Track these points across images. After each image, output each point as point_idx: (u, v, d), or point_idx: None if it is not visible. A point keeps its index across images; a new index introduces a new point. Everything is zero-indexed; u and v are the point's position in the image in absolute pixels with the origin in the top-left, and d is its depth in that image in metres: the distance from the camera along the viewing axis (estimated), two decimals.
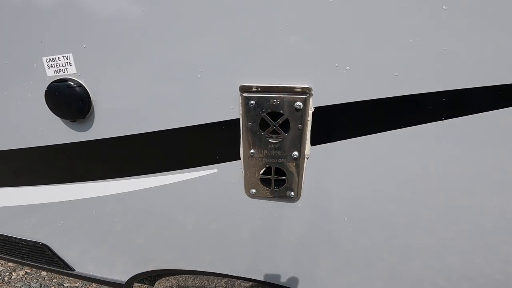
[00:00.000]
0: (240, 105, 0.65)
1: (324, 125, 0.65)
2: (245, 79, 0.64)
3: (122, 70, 0.69)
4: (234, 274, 1.09)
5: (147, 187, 0.81)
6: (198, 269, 1.14)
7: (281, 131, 0.66)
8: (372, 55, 0.58)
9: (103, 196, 0.88)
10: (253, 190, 0.75)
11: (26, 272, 2.16)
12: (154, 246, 1.08)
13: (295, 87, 0.63)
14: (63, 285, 2.04)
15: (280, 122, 0.65)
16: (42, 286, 2.04)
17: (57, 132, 0.80)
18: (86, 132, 0.77)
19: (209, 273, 1.17)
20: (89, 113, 0.74)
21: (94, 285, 2.04)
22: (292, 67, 0.62)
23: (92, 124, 0.76)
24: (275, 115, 0.65)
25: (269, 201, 0.78)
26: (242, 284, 1.21)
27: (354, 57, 0.59)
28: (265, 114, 0.65)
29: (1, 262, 2.25)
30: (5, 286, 2.05)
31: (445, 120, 0.62)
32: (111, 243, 1.18)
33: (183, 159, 0.75)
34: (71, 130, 0.78)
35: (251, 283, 1.20)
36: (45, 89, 0.73)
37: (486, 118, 0.61)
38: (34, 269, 2.18)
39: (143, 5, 0.62)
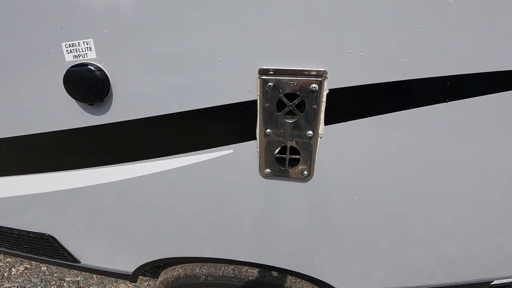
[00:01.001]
0: (258, 87, 0.68)
1: (337, 106, 0.69)
2: (264, 62, 0.67)
3: (142, 54, 0.71)
4: (244, 260, 1.11)
5: (164, 169, 0.83)
6: (210, 256, 1.16)
7: (296, 111, 0.69)
8: (383, 42, 0.62)
9: (118, 181, 0.89)
10: (268, 170, 0.77)
11: (25, 267, 2.13)
12: (165, 232, 1.09)
13: (311, 70, 0.66)
14: (64, 280, 2.02)
15: (296, 103, 0.68)
16: (43, 281, 2.02)
17: (73, 116, 0.81)
18: (103, 115, 0.79)
19: (219, 259, 1.18)
20: (107, 96, 0.76)
21: (95, 279, 2.03)
22: (309, 52, 0.65)
23: (110, 107, 0.77)
24: (291, 96, 0.68)
25: (282, 181, 0.80)
26: (249, 270, 1.23)
27: (366, 44, 0.62)
28: (282, 95, 0.67)
29: (0, 258, 2.21)
30: (5, 282, 2.02)
31: (449, 102, 0.66)
32: (119, 233, 1.18)
33: (201, 140, 0.77)
34: (88, 114, 0.80)
35: (257, 269, 1.23)
36: (64, 73, 0.74)
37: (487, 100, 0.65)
38: (34, 264, 2.15)
39: None
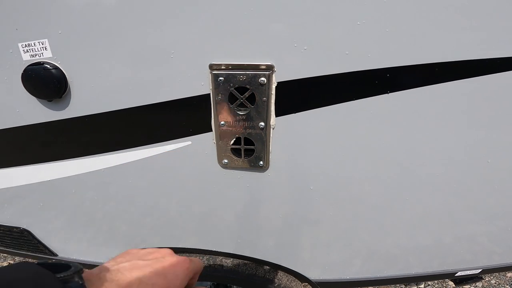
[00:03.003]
0: (210, 81, 0.70)
1: (286, 98, 0.72)
2: (214, 58, 0.69)
3: (97, 52, 0.72)
4: (215, 249, 1.15)
5: (126, 161, 0.85)
6: (178, 246, 1.18)
7: (247, 103, 0.71)
8: (326, 36, 0.65)
9: (81, 173, 0.90)
10: (225, 161, 0.80)
11: (9, 263, 2.12)
12: (134, 224, 1.11)
13: (259, 65, 0.68)
14: None
15: (247, 95, 0.70)
16: None
17: (34, 112, 0.82)
18: (63, 111, 0.80)
19: (191, 249, 1.22)
20: (66, 92, 0.77)
21: None
22: (256, 47, 0.67)
23: (69, 103, 0.78)
24: (242, 90, 0.70)
25: (241, 172, 0.83)
26: (223, 260, 1.27)
27: (310, 38, 0.65)
28: (233, 88, 0.70)
29: None
30: None
31: (390, 93, 0.70)
32: (93, 224, 1.19)
33: (160, 133, 0.79)
34: (49, 109, 0.80)
35: (232, 259, 1.26)
36: (22, 72, 0.75)
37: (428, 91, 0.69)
38: (17, 259, 2.15)
39: None
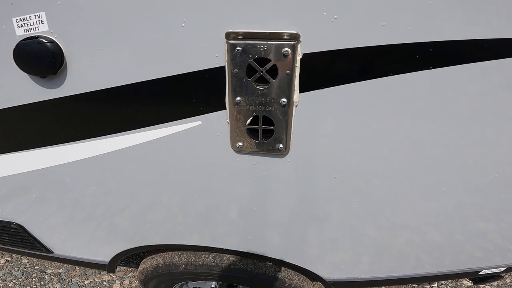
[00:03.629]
0: (226, 52, 0.61)
1: (313, 72, 0.62)
2: (231, 25, 0.60)
3: (98, 23, 0.63)
4: (222, 247, 1.05)
5: (126, 146, 0.76)
6: (183, 243, 1.09)
7: (268, 77, 0.62)
8: (360, 4, 0.56)
9: (78, 160, 0.81)
10: (240, 144, 0.71)
11: (6, 260, 2.03)
12: (135, 217, 1.02)
13: (283, 33, 0.59)
14: (45, 272, 1.94)
15: (268, 68, 0.61)
16: (24, 273, 1.93)
17: (25, 91, 0.73)
18: (57, 88, 0.71)
19: (196, 246, 1.12)
20: (61, 68, 0.68)
21: (77, 270, 1.95)
22: (280, 13, 0.58)
23: (64, 80, 0.69)
24: (262, 62, 0.61)
25: (257, 157, 0.74)
26: (230, 258, 1.17)
27: (342, 6, 0.56)
28: (251, 60, 0.61)
29: None
30: None
31: (432, 69, 0.61)
32: (89, 217, 1.10)
33: (165, 112, 0.70)
34: (42, 87, 0.71)
35: (239, 257, 1.17)
36: (14, 47, 0.66)
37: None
38: (15, 257, 2.06)
39: None
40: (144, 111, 0.71)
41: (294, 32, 0.59)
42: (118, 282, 1.87)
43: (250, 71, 0.62)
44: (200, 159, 0.77)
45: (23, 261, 2.05)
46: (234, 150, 0.73)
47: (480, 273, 1.13)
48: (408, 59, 0.60)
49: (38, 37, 0.66)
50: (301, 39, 0.60)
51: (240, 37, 0.60)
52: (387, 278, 1.07)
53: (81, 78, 0.69)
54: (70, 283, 1.87)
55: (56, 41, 0.66)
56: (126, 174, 0.83)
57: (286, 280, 1.15)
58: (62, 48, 0.67)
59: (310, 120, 0.68)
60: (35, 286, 1.87)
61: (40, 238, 1.26)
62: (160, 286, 1.39)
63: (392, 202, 0.80)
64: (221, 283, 1.43)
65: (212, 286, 1.46)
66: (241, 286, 1.43)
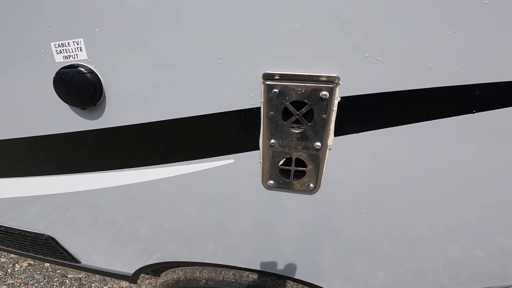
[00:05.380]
0: (262, 93, 0.62)
1: (349, 115, 0.62)
2: (269, 66, 0.60)
3: (137, 55, 0.65)
4: (245, 267, 1.06)
5: (160, 177, 0.77)
6: (208, 261, 1.11)
7: (304, 121, 0.62)
8: (405, 45, 0.54)
9: (112, 187, 0.84)
10: (271, 182, 0.71)
11: (29, 263, 2.12)
12: (164, 238, 1.05)
13: (321, 76, 0.59)
14: (67, 276, 2.01)
15: (304, 111, 0.61)
16: (46, 277, 2.01)
17: (65, 120, 0.75)
18: (96, 120, 0.73)
19: (219, 265, 1.14)
20: (101, 100, 0.70)
21: (97, 276, 2.01)
22: (319, 55, 0.58)
23: (103, 112, 0.72)
24: (298, 104, 0.61)
25: (286, 193, 0.74)
26: (250, 275, 1.18)
27: (385, 47, 0.55)
28: (288, 103, 0.61)
29: (4, 254, 2.21)
30: (8, 278, 2.01)
31: (476, 113, 0.59)
32: (117, 235, 1.14)
33: (200, 148, 0.71)
34: (81, 118, 0.74)
35: (258, 274, 1.17)
36: (54, 75, 0.68)
37: None
38: (37, 260, 2.14)
39: None
40: (180, 147, 0.72)
41: (333, 75, 0.59)
42: None
43: (286, 113, 0.62)
44: (232, 192, 0.77)
45: (45, 265, 2.12)
46: (265, 187, 0.73)
47: None
48: (453, 102, 0.58)
49: (78, 66, 0.67)
50: (340, 82, 0.59)
51: (277, 78, 0.60)
52: None
53: (119, 110, 0.71)
54: None
55: (96, 72, 0.68)
56: (158, 202, 0.85)
57: None
58: (101, 79, 0.68)
59: (343, 163, 0.67)
60: None
61: (69, 250, 1.31)
62: None
63: (416, 238, 0.78)
64: None
65: None
66: None
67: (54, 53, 0.69)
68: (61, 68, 0.68)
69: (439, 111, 0.59)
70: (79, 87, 0.68)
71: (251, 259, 1.03)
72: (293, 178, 0.70)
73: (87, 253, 1.36)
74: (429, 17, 0.52)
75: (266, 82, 0.60)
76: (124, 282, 1.95)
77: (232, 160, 0.71)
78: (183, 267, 1.31)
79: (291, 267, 1.00)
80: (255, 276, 1.18)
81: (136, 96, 0.69)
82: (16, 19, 0.67)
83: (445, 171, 0.65)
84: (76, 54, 0.68)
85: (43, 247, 1.38)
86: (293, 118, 0.62)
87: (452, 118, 0.59)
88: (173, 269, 1.35)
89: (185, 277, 1.27)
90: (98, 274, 1.53)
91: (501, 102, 0.58)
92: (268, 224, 0.84)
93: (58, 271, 2.05)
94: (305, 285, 1.13)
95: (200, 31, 0.59)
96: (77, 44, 0.67)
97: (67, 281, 1.98)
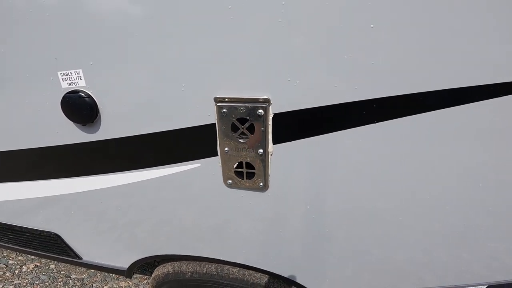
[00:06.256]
0: (215, 112, 0.85)
1: (282, 127, 0.85)
2: (218, 91, 0.84)
3: (123, 84, 0.89)
4: (221, 258, 1.29)
5: (145, 179, 1.02)
6: (189, 254, 1.34)
7: (247, 133, 0.86)
8: (316, 70, 0.77)
9: (108, 187, 1.09)
10: (230, 181, 0.95)
11: (35, 265, 2.39)
12: (151, 233, 1.29)
13: (257, 98, 0.82)
14: (70, 277, 2.26)
15: (247, 126, 0.85)
16: (51, 278, 2.27)
17: (70, 134, 1.01)
18: (94, 134, 0.98)
19: (199, 257, 1.36)
20: (97, 118, 0.95)
21: (98, 276, 2.26)
22: (254, 82, 0.81)
23: (99, 127, 0.97)
24: (242, 120, 0.85)
25: (243, 191, 0.97)
26: (230, 269, 1.40)
27: (302, 73, 0.78)
28: (234, 119, 0.85)
29: (12, 256, 2.48)
30: (15, 279, 2.28)
31: (377, 123, 0.81)
32: (115, 232, 1.38)
33: (173, 155, 0.96)
34: (82, 132, 1.00)
35: (237, 268, 1.40)
36: (61, 98, 0.94)
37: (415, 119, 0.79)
38: (43, 262, 2.41)
39: (136, 38, 0.82)
40: (157, 154, 0.97)
41: (266, 97, 0.82)
42: None
43: (234, 127, 0.86)
44: (201, 192, 1.01)
45: (51, 266, 2.39)
46: (226, 186, 0.97)
47: None
48: (357, 114, 0.80)
49: (79, 91, 0.93)
50: (271, 102, 0.82)
51: (226, 100, 0.84)
52: None
53: (111, 126, 0.96)
54: None
55: (92, 96, 0.93)
56: (144, 200, 1.10)
57: None
58: (97, 102, 0.94)
59: (284, 165, 0.90)
60: None
61: (72, 246, 1.56)
62: None
63: (354, 227, 1.00)
64: None
65: None
66: None
67: (61, 80, 0.94)
68: (66, 93, 0.93)
69: (347, 122, 0.81)
70: (80, 108, 0.93)
71: (225, 252, 1.25)
72: (246, 178, 0.93)
73: (88, 250, 1.60)
74: (328, 46, 0.75)
75: (217, 104, 0.84)
76: (123, 282, 2.20)
77: (199, 164, 0.95)
78: (172, 262, 1.54)
79: (257, 258, 1.23)
80: (234, 269, 1.41)
81: (124, 114, 0.94)
82: (32, 51, 0.92)
83: (358, 169, 0.87)
84: (77, 82, 0.93)
85: (49, 244, 1.63)
86: (240, 131, 0.86)
87: (358, 128, 0.81)
88: (164, 264, 1.59)
89: (174, 270, 1.50)
90: (96, 269, 1.77)
91: (397, 113, 0.80)
92: (232, 218, 1.07)
93: (62, 272, 2.31)
94: (279, 279, 1.35)
95: (167, 67, 0.84)
96: (78, 74, 0.92)
97: (70, 281, 2.24)
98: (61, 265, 2.37)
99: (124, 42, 0.83)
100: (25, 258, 2.46)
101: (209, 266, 1.43)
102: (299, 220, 1.01)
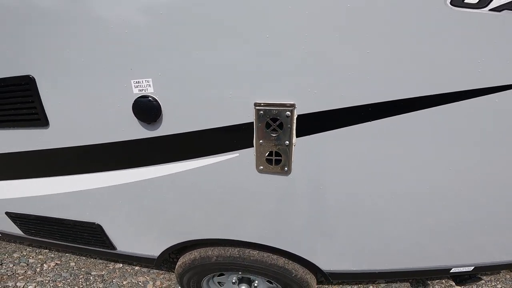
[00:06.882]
0: (254, 113, 1.20)
1: (304, 124, 1.20)
2: (257, 98, 1.19)
3: (183, 91, 1.24)
4: (247, 240, 1.60)
5: (193, 167, 1.35)
6: (221, 237, 1.64)
7: (278, 129, 1.21)
8: (327, 85, 1.14)
9: (158, 176, 1.41)
10: (261, 167, 1.28)
11: (56, 263, 2.63)
12: (188, 220, 1.60)
13: (286, 103, 1.17)
14: (90, 273, 2.51)
15: (277, 124, 1.20)
16: (72, 275, 2.51)
17: (134, 130, 1.35)
18: (155, 130, 1.32)
19: (227, 240, 1.65)
20: (160, 117, 1.29)
21: (117, 272, 2.51)
22: (284, 92, 1.17)
23: (160, 125, 1.31)
24: (274, 120, 1.20)
25: (271, 175, 1.31)
26: (251, 252, 1.72)
27: (317, 85, 1.14)
28: (268, 119, 1.19)
29: (32, 255, 2.72)
30: (37, 276, 2.52)
31: (372, 121, 1.17)
32: (151, 222, 1.67)
33: (218, 147, 1.29)
34: (145, 129, 1.33)
35: (257, 251, 1.71)
36: (132, 102, 1.28)
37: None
38: (63, 260, 2.65)
39: (195, 58, 1.17)
40: (208, 146, 1.30)
41: (292, 102, 1.17)
42: (151, 282, 2.40)
43: (268, 125, 1.21)
44: (237, 177, 1.35)
45: (71, 264, 2.63)
46: (258, 171, 1.31)
47: (451, 271, 1.60)
48: (357, 115, 1.16)
49: (148, 96, 1.26)
50: (296, 106, 1.18)
51: (262, 105, 1.19)
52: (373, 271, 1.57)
53: (170, 124, 1.30)
54: (111, 283, 2.42)
55: (158, 100, 1.27)
56: (192, 187, 1.43)
57: (293, 271, 1.67)
58: (161, 105, 1.28)
59: (304, 153, 1.25)
60: (81, 286, 2.41)
61: (110, 236, 1.85)
62: (192, 278, 1.93)
63: (362, 207, 1.34)
64: (240, 277, 1.95)
65: (233, 281, 1.97)
66: (256, 282, 1.94)
67: (133, 87, 1.27)
68: (138, 97, 1.27)
69: (350, 121, 1.17)
70: (148, 109, 1.27)
71: (250, 232, 1.57)
72: (274, 164, 1.27)
73: (123, 240, 1.89)
74: (335, 69, 1.12)
75: (256, 107, 1.19)
76: (141, 277, 2.46)
77: (238, 154, 1.29)
78: (198, 249, 1.84)
79: (279, 238, 1.55)
80: (255, 252, 1.71)
81: (182, 115, 1.28)
82: (111, 62, 1.25)
83: (358, 159, 1.22)
84: (147, 88, 1.26)
85: (89, 235, 1.90)
86: (272, 127, 1.21)
87: (358, 125, 1.17)
88: (190, 252, 1.88)
89: (200, 256, 1.80)
90: (126, 259, 2.04)
91: (388, 114, 1.16)
92: (262, 198, 1.40)
93: (83, 269, 2.56)
94: (290, 258, 1.67)
95: (218, 80, 1.19)
96: (148, 82, 1.25)
97: (91, 277, 2.48)
98: (81, 262, 2.62)
99: (187, 59, 1.17)
100: (45, 256, 2.71)
101: (232, 249, 1.74)
102: (314, 198, 1.34)
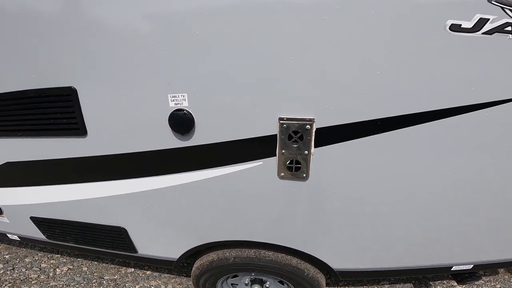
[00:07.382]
0: (278, 127, 1.42)
1: (321, 136, 1.42)
2: (281, 113, 1.41)
3: (214, 106, 1.45)
4: (266, 241, 1.79)
5: (219, 174, 1.55)
6: (242, 239, 1.82)
7: (298, 140, 1.42)
8: (341, 102, 1.36)
9: (186, 183, 1.61)
10: (282, 174, 1.49)
11: (69, 268, 2.77)
12: (211, 222, 1.79)
13: (306, 118, 1.39)
14: (103, 278, 2.66)
15: (298, 136, 1.42)
16: (85, 279, 2.65)
17: (168, 141, 1.55)
18: (187, 141, 1.53)
19: (246, 242, 1.83)
20: (193, 129, 1.50)
21: (129, 277, 2.66)
22: (305, 108, 1.39)
23: (192, 136, 1.51)
24: (296, 132, 1.42)
25: (291, 181, 1.52)
26: (266, 253, 1.91)
27: (333, 103, 1.36)
28: (290, 131, 1.41)
29: (44, 260, 2.85)
30: (51, 281, 2.65)
31: (380, 134, 1.39)
32: (173, 225, 1.84)
33: (244, 156, 1.50)
34: (178, 139, 1.53)
35: (272, 251, 1.91)
36: (169, 114, 1.48)
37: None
38: (76, 264, 2.79)
39: (229, 75, 1.39)
40: (236, 155, 1.51)
41: (312, 117, 1.39)
42: (163, 286, 2.55)
43: (290, 136, 1.43)
44: (260, 182, 1.56)
45: (83, 268, 2.77)
46: (279, 178, 1.52)
47: (452, 269, 1.81)
48: (367, 128, 1.38)
49: (183, 109, 1.46)
50: (315, 120, 1.40)
51: (285, 119, 1.41)
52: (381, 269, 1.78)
53: (202, 135, 1.51)
54: None
55: (192, 114, 1.48)
56: (219, 192, 1.63)
57: (305, 270, 1.87)
58: (194, 117, 1.49)
59: (321, 162, 1.46)
60: None
61: (133, 240, 2.02)
62: (209, 280, 2.10)
63: (373, 210, 1.56)
64: (253, 278, 2.13)
65: (246, 282, 2.16)
66: (268, 283, 2.13)
67: (169, 101, 1.47)
68: (174, 111, 1.46)
69: (361, 133, 1.39)
70: (183, 122, 1.47)
71: (272, 235, 1.77)
72: (294, 171, 1.49)
73: (144, 243, 2.05)
74: (348, 90, 1.35)
75: (280, 122, 1.40)
76: (153, 281, 2.61)
77: (262, 162, 1.50)
78: (215, 251, 2.02)
79: (295, 239, 1.76)
80: (270, 253, 1.91)
81: (213, 127, 1.48)
82: (149, 79, 1.44)
83: (366, 167, 1.45)
84: (182, 102, 1.46)
85: (113, 239, 2.06)
86: (293, 139, 1.42)
87: (367, 137, 1.39)
88: (207, 254, 2.06)
89: (218, 257, 1.97)
90: (146, 262, 2.20)
91: (395, 127, 1.39)
92: (282, 203, 1.61)
93: (95, 274, 2.70)
94: (303, 259, 1.87)
95: (247, 98, 1.40)
96: (183, 97, 1.45)
97: (104, 282, 2.62)
98: (93, 267, 2.77)
99: (220, 77, 1.38)
100: (57, 261, 2.85)
101: (249, 251, 1.92)
102: (327, 201, 1.56)
